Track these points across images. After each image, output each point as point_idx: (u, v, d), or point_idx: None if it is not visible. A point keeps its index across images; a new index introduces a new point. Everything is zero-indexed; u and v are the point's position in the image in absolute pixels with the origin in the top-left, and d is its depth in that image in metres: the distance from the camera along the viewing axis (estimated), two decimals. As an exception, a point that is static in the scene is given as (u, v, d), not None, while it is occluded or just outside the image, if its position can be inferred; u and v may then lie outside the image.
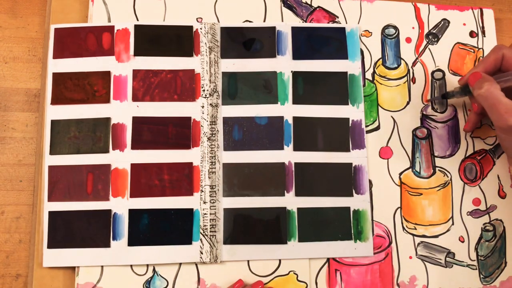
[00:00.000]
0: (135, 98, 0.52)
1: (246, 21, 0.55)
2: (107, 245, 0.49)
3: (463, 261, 0.52)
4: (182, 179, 0.51)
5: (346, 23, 0.56)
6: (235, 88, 0.53)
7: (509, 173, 0.55)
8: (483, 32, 0.58)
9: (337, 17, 0.57)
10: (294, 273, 0.51)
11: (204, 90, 0.53)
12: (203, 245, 0.50)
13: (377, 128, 0.54)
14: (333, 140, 0.53)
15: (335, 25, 0.56)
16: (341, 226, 0.51)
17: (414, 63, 0.56)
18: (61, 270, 0.49)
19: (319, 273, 0.51)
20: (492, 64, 0.48)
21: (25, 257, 0.51)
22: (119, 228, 0.50)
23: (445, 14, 0.58)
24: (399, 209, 0.53)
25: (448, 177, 0.54)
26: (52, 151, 0.51)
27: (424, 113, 0.55)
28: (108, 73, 0.52)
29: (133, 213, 0.50)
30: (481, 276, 0.52)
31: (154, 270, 0.50)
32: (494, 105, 0.45)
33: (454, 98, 0.54)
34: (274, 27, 0.55)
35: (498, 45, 0.49)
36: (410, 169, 0.54)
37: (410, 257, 0.52)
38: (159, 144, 0.51)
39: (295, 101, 0.54)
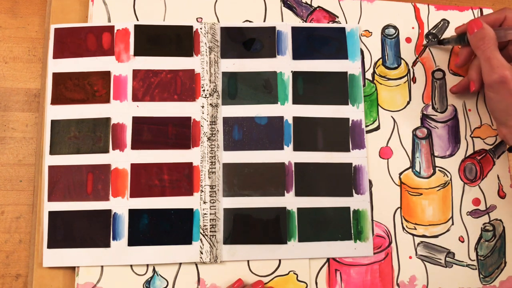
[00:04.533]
0: (135, 98, 0.52)
1: (246, 21, 0.55)
2: (107, 245, 0.49)
3: (463, 261, 0.52)
4: (182, 179, 0.51)
5: (346, 23, 0.56)
6: (235, 88, 0.53)
7: (509, 173, 0.55)
8: (483, 32, 0.58)
9: (337, 17, 0.57)
10: (294, 273, 0.51)
11: (204, 90, 0.53)
12: (203, 245, 0.50)
13: (377, 128, 0.54)
14: (333, 140, 0.53)
15: (335, 25, 0.56)
16: (341, 226, 0.51)
17: (414, 63, 0.56)
18: (61, 270, 0.49)
19: (319, 273, 0.51)
20: (491, 22, 0.50)
21: (25, 257, 0.51)
22: (119, 228, 0.50)
23: (444, 14, 0.58)
24: (399, 209, 0.53)
25: (448, 177, 0.54)
26: (52, 151, 0.51)
27: (424, 113, 0.55)
28: (108, 73, 0.52)
29: (133, 213, 0.50)
30: (481, 276, 0.52)
31: (154, 270, 0.50)
32: (489, 58, 0.47)
33: (449, 45, 0.55)
34: (274, 27, 0.55)
35: (505, 7, 0.50)
36: (410, 169, 0.54)
37: (410, 257, 0.52)
38: (159, 144, 0.51)
39: (295, 101, 0.54)
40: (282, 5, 0.56)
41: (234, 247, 0.50)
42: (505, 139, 0.50)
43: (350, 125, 0.54)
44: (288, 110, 0.53)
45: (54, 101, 0.52)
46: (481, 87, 0.52)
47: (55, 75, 0.52)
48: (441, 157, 0.54)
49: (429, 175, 0.54)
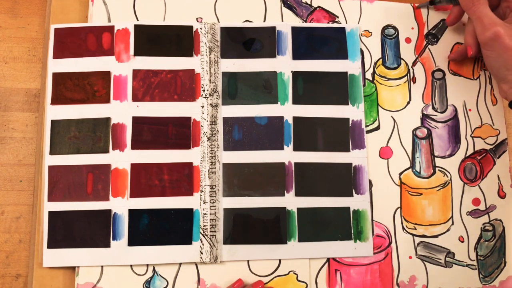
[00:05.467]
0: (135, 98, 0.52)
1: (246, 21, 0.55)
2: (107, 245, 0.49)
3: (462, 261, 0.52)
4: (182, 179, 0.51)
5: (346, 23, 0.56)
6: (235, 88, 0.53)
7: (509, 173, 0.55)
8: (483, 32, 0.58)
9: (337, 17, 0.57)
10: (294, 273, 0.51)
11: (204, 90, 0.53)
12: (203, 245, 0.50)
13: (377, 128, 0.54)
14: (333, 140, 0.53)
15: (335, 25, 0.56)
16: (341, 226, 0.51)
17: (414, 63, 0.56)
18: (61, 270, 0.49)
19: (319, 273, 0.51)
20: None
21: (25, 257, 0.51)
22: (119, 228, 0.50)
23: (444, 15, 0.58)
24: (399, 209, 0.53)
25: (448, 177, 0.54)
26: (52, 151, 0.51)
27: (424, 113, 0.55)
28: (108, 73, 0.52)
29: (133, 213, 0.50)
30: (481, 276, 0.52)
31: (154, 270, 0.50)
32: (480, 17, 0.48)
33: (440, 4, 0.56)
34: (274, 27, 0.55)
35: None
36: (410, 169, 0.54)
37: (410, 257, 0.52)
38: (159, 144, 0.51)
39: (295, 101, 0.54)
40: (282, 5, 0.56)
41: (234, 247, 0.50)
42: (506, 96, 0.51)
43: (350, 125, 0.54)
44: (288, 110, 0.53)
45: (54, 101, 0.52)
46: (479, 52, 0.52)
47: (55, 75, 0.52)
48: (441, 157, 0.54)
49: (429, 175, 0.54)
